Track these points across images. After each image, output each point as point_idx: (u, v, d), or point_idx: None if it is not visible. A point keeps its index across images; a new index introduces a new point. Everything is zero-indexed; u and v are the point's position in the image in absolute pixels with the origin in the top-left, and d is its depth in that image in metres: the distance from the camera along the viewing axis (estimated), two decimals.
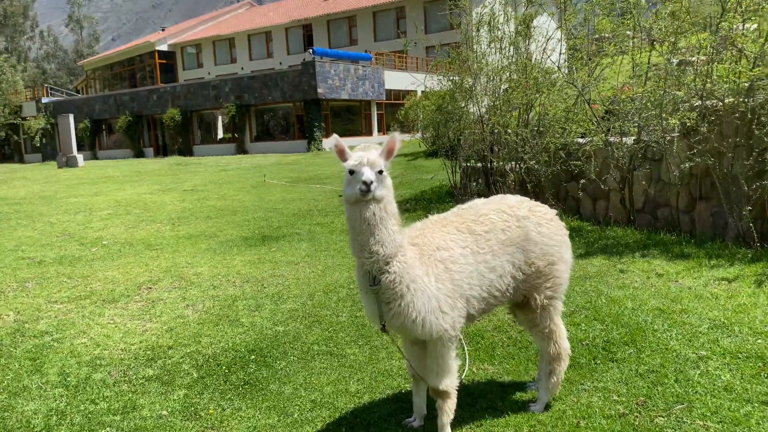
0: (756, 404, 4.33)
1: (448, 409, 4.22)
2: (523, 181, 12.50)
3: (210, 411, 4.97)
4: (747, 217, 7.95)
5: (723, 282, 6.81)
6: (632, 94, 9.26)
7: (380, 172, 3.65)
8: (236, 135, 45.15)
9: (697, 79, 8.50)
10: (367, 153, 3.69)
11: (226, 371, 5.73)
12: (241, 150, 44.28)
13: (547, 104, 11.52)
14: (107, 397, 5.31)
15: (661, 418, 4.30)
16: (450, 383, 4.19)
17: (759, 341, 5.22)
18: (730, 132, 8.32)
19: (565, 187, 12.15)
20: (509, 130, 12.16)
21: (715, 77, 8.28)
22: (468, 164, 14.56)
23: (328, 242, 10.90)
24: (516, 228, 4.25)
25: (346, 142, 3.83)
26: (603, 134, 9.81)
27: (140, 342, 6.51)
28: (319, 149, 39.99)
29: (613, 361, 5.20)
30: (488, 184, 13.66)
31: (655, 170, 10.03)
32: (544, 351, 4.57)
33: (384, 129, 45.40)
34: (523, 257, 4.25)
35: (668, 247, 8.52)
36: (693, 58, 9.64)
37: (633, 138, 9.96)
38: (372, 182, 3.53)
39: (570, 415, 4.48)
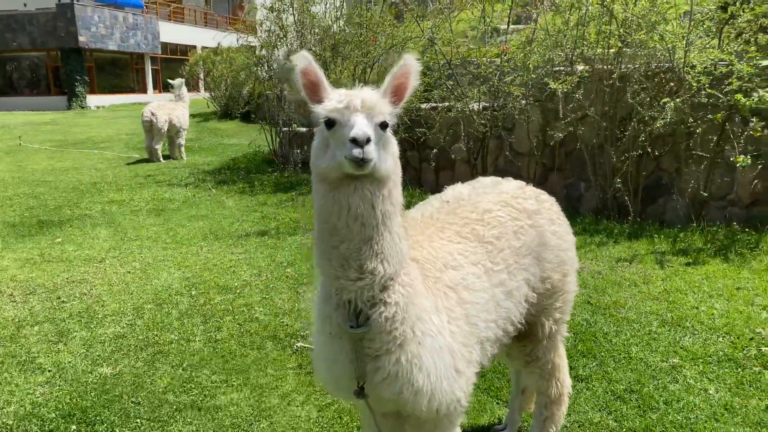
0: None
1: None
2: None
3: None
4: (622, 189, 7.62)
5: (624, 263, 6.29)
6: (510, 56, 8.41)
7: (383, 125, 2.13)
8: None
9: (568, 42, 7.90)
10: (359, 91, 2.16)
11: None
12: None
13: (389, 61, 10.30)
14: None
15: None
16: None
17: (720, 339, 4.62)
18: (599, 100, 7.89)
19: (406, 157, 11.16)
20: None
21: (591, 41, 7.73)
22: (290, 129, 12.86)
23: (135, 227, 8.53)
24: (529, 229, 2.94)
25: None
26: (466, 100, 8.87)
27: None
28: (82, 107, 34.38)
29: (579, 380, 4.19)
30: None
31: (506, 139, 9.44)
32: (542, 392, 3.34)
33: (160, 86, 40.78)
34: (538, 271, 2.95)
35: None
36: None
37: (487, 104, 9.21)
38: (370, 140, 2.01)
39: None
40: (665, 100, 6.96)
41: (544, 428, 3.36)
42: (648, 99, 7.39)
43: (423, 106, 10.30)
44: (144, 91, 40.13)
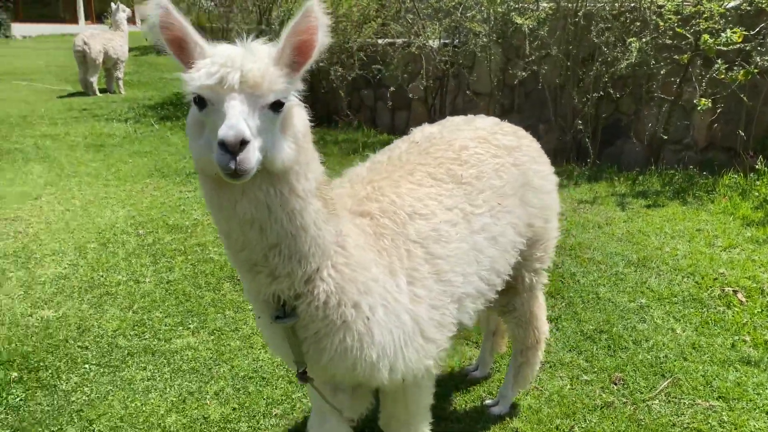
0: (738, 365, 3.64)
1: None
2: (313, 87, 10.78)
3: None
4: (583, 131, 7.54)
5: (586, 204, 6.25)
6: None
7: (275, 106, 1.66)
8: None
9: None
10: (240, 56, 1.63)
11: None
12: None
13: None
14: None
15: (655, 403, 3.35)
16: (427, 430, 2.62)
17: (684, 279, 4.63)
18: (563, 39, 7.69)
19: (360, 95, 10.78)
20: None
21: None
22: None
23: (73, 163, 7.95)
24: (511, 168, 2.68)
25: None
26: (426, 35, 8.53)
27: None
28: (7, 36, 31.92)
29: (549, 321, 4.04)
30: None
31: (465, 79, 9.19)
32: (519, 340, 3.21)
33: (93, 16, 38.29)
34: (524, 214, 2.70)
35: None
36: None
37: (447, 41, 8.91)
38: (247, 139, 1.54)
39: (549, 414, 3.29)
40: (631, 40, 6.82)
41: (521, 373, 3.25)
42: (612, 39, 7.25)
43: (380, 41, 9.90)
44: (75, 21, 37.59)
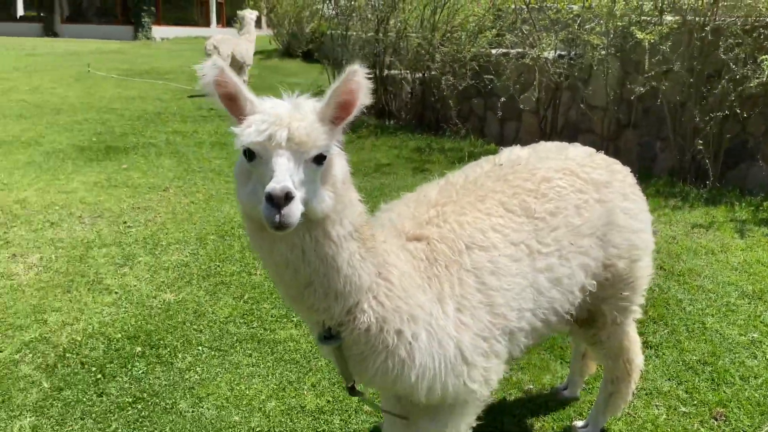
0: None
1: None
2: (424, 94, 10.95)
3: None
4: (703, 153, 7.17)
5: (700, 230, 5.95)
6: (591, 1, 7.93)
7: (318, 159, 1.79)
8: (42, 13, 37.85)
9: None
10: (287, 114, 1.77)
11: (99, 376, 3.71)
12: (50, 32, 37.29)
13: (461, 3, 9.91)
14: None
15: None
16: None
17: None
18: (687, 54, 7.36)
19: (470, 104, 10.81)
20: (413, 34, 10.41)
21: None
22: None
23: (199, 159, 8.59)
24: (595, 204, 2.59)
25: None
26: (541, 46, 8.44)
27: None
28: (148, 38, 34.72)
29: (649, 347, 4.01)
30: (378, 94, 11.90)
31: (580, 92, 8.98)
32: (608, 369, 3.16)
33: (224, 20, 40.78)
34: (602, 255, 2.61)
35: None
36: None
37: (563, 52, 8.76)
38: (292, 194, 1.66)
39: None
40: (763, 57, 6.42)
41: (611, 401, 3.17)
42: (743, 56, 6.85)
43: (493, 51, 9.89)
44: (207, 24, 40.17)
